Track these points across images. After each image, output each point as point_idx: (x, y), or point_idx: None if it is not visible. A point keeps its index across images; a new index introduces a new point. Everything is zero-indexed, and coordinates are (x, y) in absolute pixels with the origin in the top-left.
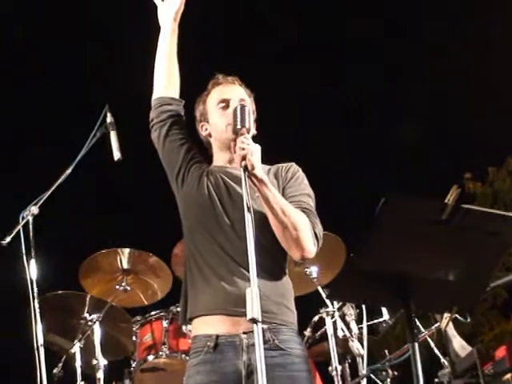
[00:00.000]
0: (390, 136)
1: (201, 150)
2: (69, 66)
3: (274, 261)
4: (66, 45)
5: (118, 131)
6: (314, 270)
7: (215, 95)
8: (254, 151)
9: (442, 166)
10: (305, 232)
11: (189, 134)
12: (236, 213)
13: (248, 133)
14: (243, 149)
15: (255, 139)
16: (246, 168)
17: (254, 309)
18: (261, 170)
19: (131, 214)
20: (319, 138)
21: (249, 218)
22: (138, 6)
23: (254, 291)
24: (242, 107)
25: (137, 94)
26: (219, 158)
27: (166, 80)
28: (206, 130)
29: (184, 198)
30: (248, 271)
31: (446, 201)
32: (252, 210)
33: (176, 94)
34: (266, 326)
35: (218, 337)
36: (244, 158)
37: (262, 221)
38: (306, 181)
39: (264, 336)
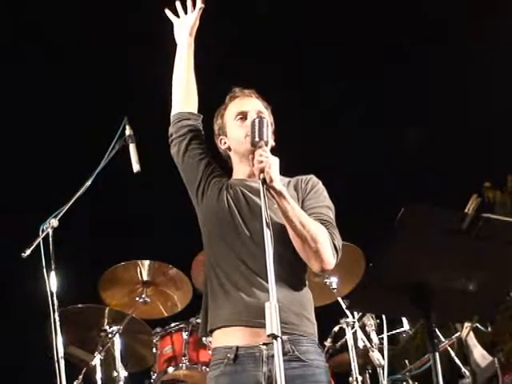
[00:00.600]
0: (409, 145)
1: (220, 164)
2: (88, 79)
3: (294, 272)
4: (88, 55)
5: (137, 143)
6: (333, 281)
7: (233, 108)
8: (272, 164)
9: (462, 175)
10: (324, 244)
11: (208, 148)
12: (256, 224)
13: (266, 145)
14: (261, 161)
15: (274, 151)
16: (264, 181)
17: (273, 324)
18: (279, 182)
19: (151, 226)
20: (338, 146)
21: (268, 234)
22: (153, 19)
23: (272, 306)
24: (261, 119)
25: (156, 107)
26: (239, 171)
27: (184, 95)
28: (225, 143)
29: (204, 211)
30: (267, 282)
31: (466, 210)
32: (271, 224)
33: (194, 108)
34: (285, 338)
35: (237, 348)
36: (262, 170)
37: (281, 232)
38: (325, 193)
39: (284, 347)
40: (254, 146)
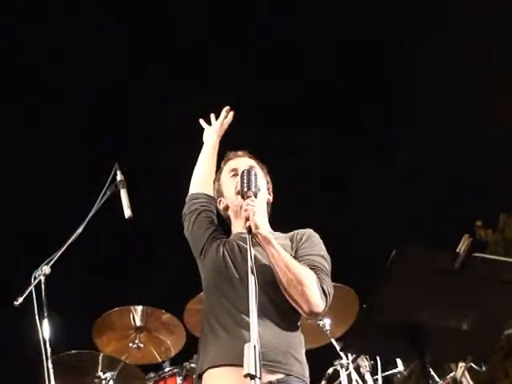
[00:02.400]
0: (400, 185)
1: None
2: (80, 124)
3: (284, 314)
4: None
5: (128, 189)
6: (326, 323)
7: (227, 168)
8: (257, 211)
9: (453, 215)
10: (310, 287)
11: (218, 224)
12: (246, 268)
13: (255, 195)
14: (246, 210)
15: (273, 207)
16: (249, 229)
17: (250, 364)
18: (265, 228)
19: (144, 272)
20: (333, 191)
21: (252, 279)
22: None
23: (251, 346)
24: (249, 171)
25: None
26: (236, 226)
27: (202, 178)
28: (223, 203)
29: (205, 269)
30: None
31: (458, 250)
32: (262, 267)
33: (210, 192)
34: (275, 379)
35: None
36: (247, 218)
37: (272, 276)
38: (321, 245)
39: None
40: (243, 196)
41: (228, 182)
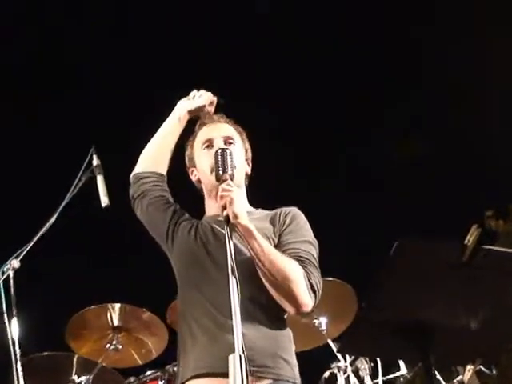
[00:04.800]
0: (402, 171)
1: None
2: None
3: (269, 312)
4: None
5: (105, 175)
6: (322, 322)
7: (200, 136)
8: (235, 198)
9: (461, 203)
10: (297, 283)
11: (175, 201)
12: (225, 260)
13: (232, 178)
14: (222, 197)
15: (252, 180)
16: (227, 219)
17: (236, 380)
18: (245, 218)
19: (122, 266)
20: (326, 174)
21: (234, 282)
22: None
23: (236, 358)
24: (223, 151)
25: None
26: (210, 206)
27: (152, 164)
28: (195, 175)
29: (175, 257)
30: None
31: (466, 241)
32: (243, 260)
33: (160, 171)
34: None
35: None
36: (224, 207)
37: (255, 269)
38: (307, 226)
39: None
40: (219, 179)
41: (201, 154)
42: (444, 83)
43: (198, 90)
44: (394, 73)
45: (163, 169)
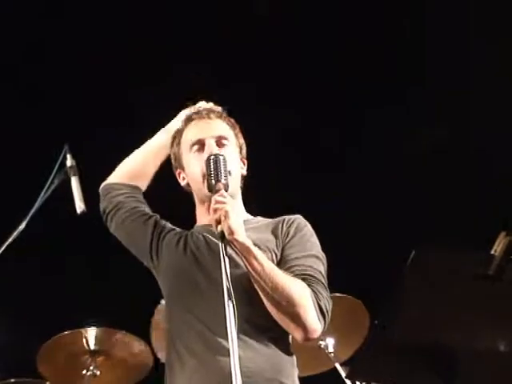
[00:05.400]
0: (420, 174)
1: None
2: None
3: (268, 332)
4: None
5: (81, 177)
6: (329, 343)
7: (188, 135)
8: (230, 211)
9: (486, 209)
10: (305, 308)
11: (153, 211)
12: (219, 276)
13: (226, 189)
14: (215, 210)
15: (247, 181)
16: (222, 235)
17: None
18: (242, 234)
19: (101, 281)
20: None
21: (230, 308)
22: None
23: None
24: (216, 158)
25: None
26: (202, 214)
27: (130, 179)
28: (184, 179)
29: (162, 273)
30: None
31: (493, 251)
32: (238, 275)
33: (138, 185)
34: None
35: None
36: (218, 221)
37: (253, 285)
38: (314, 238)
39: None
40: (211, 190)
41: (191, 157)
42: None
43: (207, 101)
44: (394, 73)
45: (143, 184)
